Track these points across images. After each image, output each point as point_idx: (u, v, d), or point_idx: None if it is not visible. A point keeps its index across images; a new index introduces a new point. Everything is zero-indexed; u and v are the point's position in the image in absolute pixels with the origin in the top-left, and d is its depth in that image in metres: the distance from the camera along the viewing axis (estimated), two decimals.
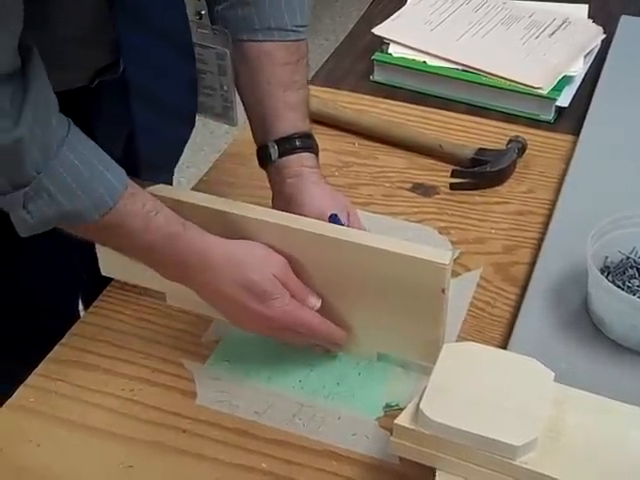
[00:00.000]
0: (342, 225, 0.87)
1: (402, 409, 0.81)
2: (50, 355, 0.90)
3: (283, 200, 0.91)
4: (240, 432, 0.82)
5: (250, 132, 0.96)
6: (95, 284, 0.99)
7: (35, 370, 0.88)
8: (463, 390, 0.73)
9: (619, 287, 0.85)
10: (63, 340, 0.91)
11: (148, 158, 0.94)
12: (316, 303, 0.85)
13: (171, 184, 1.08)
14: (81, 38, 0.85)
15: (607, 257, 0.89)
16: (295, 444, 0.81)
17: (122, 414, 0.84)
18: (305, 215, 0.87)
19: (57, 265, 1.09)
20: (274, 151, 0.92)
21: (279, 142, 0.92)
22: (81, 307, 1.16)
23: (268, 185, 0.95)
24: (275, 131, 0.92)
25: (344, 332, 0.86)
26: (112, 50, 0.88)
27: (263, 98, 0.92)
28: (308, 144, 0.93)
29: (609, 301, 0.84)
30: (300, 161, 0.92)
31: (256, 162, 0.95)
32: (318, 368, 0.88)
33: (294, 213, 0.88)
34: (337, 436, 0.81)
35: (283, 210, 0.88)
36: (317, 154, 0.94)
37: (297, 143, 0.92)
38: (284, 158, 0.92)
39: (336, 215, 0.88)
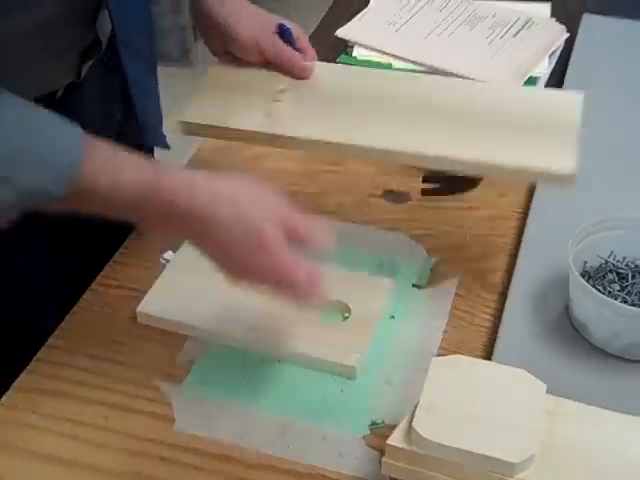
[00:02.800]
0: (292, 36, 0.98)
1: (388, 426, 0.81)
2: (16, 383, 0.85)
3: (218, 36, 0.97)
4: (221, 457, 0.79)
5: None
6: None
7: (0, 401, 0.84)
8: (455, 406, 0.71)
9: (600, 292, 0.84)
10: (29, 367, 0.87)
11: (143, 118, 0.92)
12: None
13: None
14: (70, 15, 0.82)
15: (586, 262, 0.88)
16: (280, 467, 0.78)
17: (98, 445, 0.80)
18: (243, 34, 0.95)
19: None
20: None
21: None
22: None
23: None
24: None
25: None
26: (93, 25, 0.87)
27: None
28: None
29: (591, 307, 0.83)
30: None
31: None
32: (300, 386, 0.85)
33: (230, 39, 0.96)
34: (323, 457, 0.79)
35: (220, 47, 0.98)
36: None
37: None
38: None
39: (284, 25, 0.96)
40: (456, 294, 0.94)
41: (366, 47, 1.29)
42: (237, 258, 0.76)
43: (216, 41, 1.00)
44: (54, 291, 1.01)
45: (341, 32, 1.32)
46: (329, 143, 0.91)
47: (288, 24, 1.00)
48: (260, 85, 0.98)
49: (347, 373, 0.85)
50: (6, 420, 0.82)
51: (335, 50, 1.33)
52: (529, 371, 0.82)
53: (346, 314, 0.90)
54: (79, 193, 0.71)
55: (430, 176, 1.08)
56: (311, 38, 1.39)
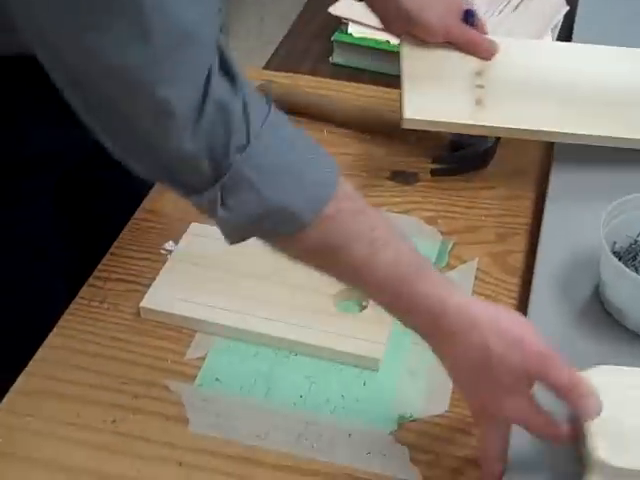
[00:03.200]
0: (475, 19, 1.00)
1: (417, 420, 0.76)
2: (15, 386, 0.79)
3: (401, 20, 0.98)
4: (243, 460, 0.73)
5: None
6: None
7: None
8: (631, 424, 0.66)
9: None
10: (28, 368, 0.81)
11: None
12: (592, 408, 0.65)
13: None
14: None
15: (615, 242, 0.84)
16: (305, 468, 0.73)
17: (105, 449, 0.74)
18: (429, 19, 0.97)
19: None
20: None
21: None
22: None
23: None
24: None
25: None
26: None
27: None
28: None
29: (626, 289, 0.79)
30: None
31: None
32: (319, 380, 0.80)
33: (415, 24, 0.98)
34: (350, 456, 0.74)
35: (402, 30, 1.00)
36: None
37: None
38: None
39: (471, 10, 0.98)
40: (476, 278, 0.90)
41: (361, 24, 1.23)
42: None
43: (397, 25, 1.01)
44: (61, 263, 0.96)
45: (334, 9, 1.26)
46: (545, 132, 0.95)
47: (471, 7, 1.01)
48: (455, 68, 1.00)
49: (370, 365, 0.80)
50: (5, 425, 0.76)
51: (328, 27, 1.28)
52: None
53: (364, 303, 0.85)
54: (324, 236, 0.66)
55: (439, 155, 1.03)
56: (302, 14, 1.36)
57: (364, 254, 0.66)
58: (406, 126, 0.95)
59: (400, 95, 0.98)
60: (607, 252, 0.79)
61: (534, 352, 0.65)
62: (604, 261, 0.81)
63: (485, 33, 1.03)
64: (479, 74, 0.99)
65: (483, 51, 1.01)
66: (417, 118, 0.95)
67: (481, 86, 0.98)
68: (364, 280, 0.68)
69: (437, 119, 0.95)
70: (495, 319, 0.66)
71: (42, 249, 0.95)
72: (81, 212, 1.04)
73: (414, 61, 1.01)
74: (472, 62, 1.01)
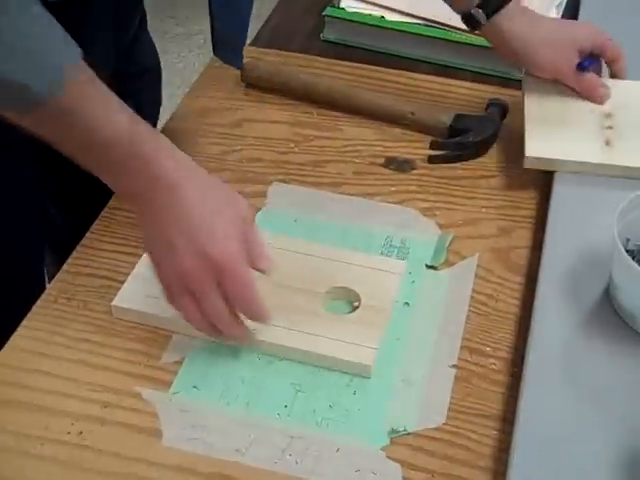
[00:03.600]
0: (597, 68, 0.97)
1: (411, 434, 0.70)
2: None
3: (511, 55, 0.96)
4: (221, 478, 0.67)
5: None
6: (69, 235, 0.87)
7: None
8: None
9: None
10: None
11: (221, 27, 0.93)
12: (267, 265, 0.73)
13: None
14: None
15: (629, 239, 0.77)
16: None
17: (70, 464, 0.68)
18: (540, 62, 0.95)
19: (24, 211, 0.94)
20: (481, 16, 0.93)
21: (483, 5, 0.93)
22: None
23: None
24: None
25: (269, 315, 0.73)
26: None
27: None
28: None
29: None
30: (509, 15, 0.92)
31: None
32: (305, 388, 0.74)
33: (527, 62, 0.96)
34: (338, 474, 0.68)
35: (511, 59, 0.97)
36: None
37: None
38: (492, 19, 0.92)
39: (588, 61, 0.94)
40: (476, 275, 0.83)
41: None
42: (186, 238, 0.70)
43: (510, 58, 0.97)
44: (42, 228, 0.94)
45: None
46: None
47: (590, 59, 0.96)
48: (582, 108, 0.95)
49: (361, 372, 0.74)
50: None
51: (318, 3, 1.20)
52: (570, 366, 0.72)
53: (355, 303, 0.79)
54: (58, 110, 0.65)
55: (437, 141, 0.96)
56: None
57: (98, 115, 0.67)
58: (528, 165, 0.90)
59: (523, 132, 0.92)
60: (621, 252, 0.72)
61: (215, 255, 0.69)
62: (617, 261, 0.74)
63: (600, 76, 0.97)
64: (609, 116, 0.94)
65: (597, 97, 0.96)
66: (541, 157, 0.89)
67: (610, 127, 0.92)
68: (93, 140, 0.68)
69: (564, 158, 0.89)
70: (201, 201, 0.71)
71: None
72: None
73: (537, 97, 0.96)
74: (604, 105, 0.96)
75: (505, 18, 0.93)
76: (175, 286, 0.71)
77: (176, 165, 0.71)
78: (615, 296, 0.76)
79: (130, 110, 0.70)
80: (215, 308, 0.71)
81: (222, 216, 0.71)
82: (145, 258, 0.82)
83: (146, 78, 1.08)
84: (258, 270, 0.72)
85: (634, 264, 0.72)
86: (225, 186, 0.75)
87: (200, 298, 0.71)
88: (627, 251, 0.76)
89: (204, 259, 0.69)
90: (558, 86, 0.97)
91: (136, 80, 1.03)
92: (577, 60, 0.95)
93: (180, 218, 0.70)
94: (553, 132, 0.92)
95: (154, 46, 1.10)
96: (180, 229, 0.70)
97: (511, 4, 0.92)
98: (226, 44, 0.96)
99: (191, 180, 0.71)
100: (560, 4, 1.16)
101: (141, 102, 1.01)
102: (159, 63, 1.12)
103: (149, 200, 0.70)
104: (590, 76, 0.96)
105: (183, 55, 2.67)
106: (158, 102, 1.14)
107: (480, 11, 0.92)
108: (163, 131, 0.99)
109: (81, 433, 0.70)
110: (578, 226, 0.83)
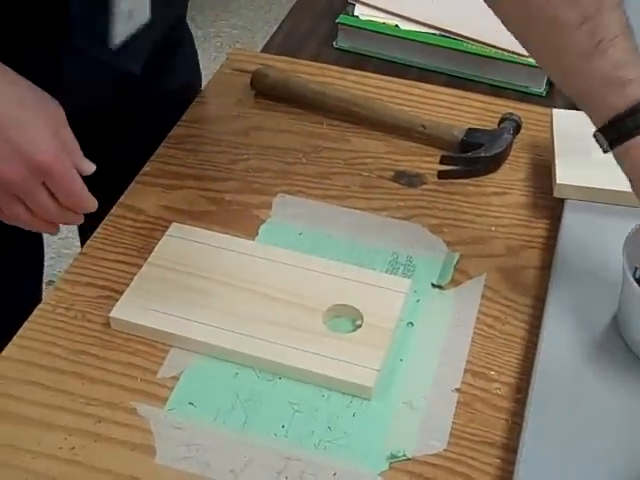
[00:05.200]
0: None
1: (410, 459, 0.68)
2: None
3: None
4: None
5: None
6: None
7: None
8: None
9: None
10: None
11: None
12: (89, 169, 0.73)
13: None
14: None
15: (637, 268, 0.75)
16: None
17: None
18: None
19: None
20: (603, 142, 0.72)
21: (606, 130, 0.71)
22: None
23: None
24: (597, 116, 0.72)
25: (96, 201, 0.75)
26: None
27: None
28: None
29: None
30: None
31: None
32: (303, 408, 0.72)
33: None
34: None
35: None
36: None
37: (629, 124, 0.69)
38: (616, 149, 0.71)
39: None
40: (483, 296, 0.81)
41: (368, 6, 1.14)
42: None
43: None
44: None
45: None
46: None
47: None
48: None
49: (362, 394, 0.72)
50: None
51: (332, 9, 1.19)
52: (575, 394, 0.70)
53: (357, 321, 0.77)
54: None
55: (448, 156, 0.94)
56: None
57: None
58: (558, 194, 0.88)
59: (552, 162, 0.90)
60: (629, 280, 0.70)
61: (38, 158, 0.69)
62: (625, 289, 0.72)
63: None
64: None
65: None
66: (571, 184, 0.87)
67: None
68: None
69: (595, 186, 0.87)
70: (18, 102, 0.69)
71: None
72: None
73: (567, 124, 0.94)
74: None
75: (626, 151, 0.71)
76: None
77: None
78: (623, 324, 0.74)
79: None
80: (45, 206, 0.72)
81: (32, 112, 0.70)
82: (145, 269, 0.81)
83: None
84: (80, 172, 0.73)
85: None
86: (34, 86, 0.72)
87: (27, 200, 0.71)
88: (636, 279, 0.74)
89: (26, 164, 0.69)
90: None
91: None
92: None
93: None
94: (583, 160, 0.88)
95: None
96: None
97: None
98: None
99: None
100: None
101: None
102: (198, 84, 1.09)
103: None
104: None
105: (200, 57, 2.66)
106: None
107: (601, 136, 0.72)
108: (171, 138, 0.98)
109: (73, 448, 0.68)
110: (588, 251, 0.81)
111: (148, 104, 0.97)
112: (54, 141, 0.70)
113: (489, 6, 0.78)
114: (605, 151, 0.72)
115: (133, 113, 0.98)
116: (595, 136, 0.72)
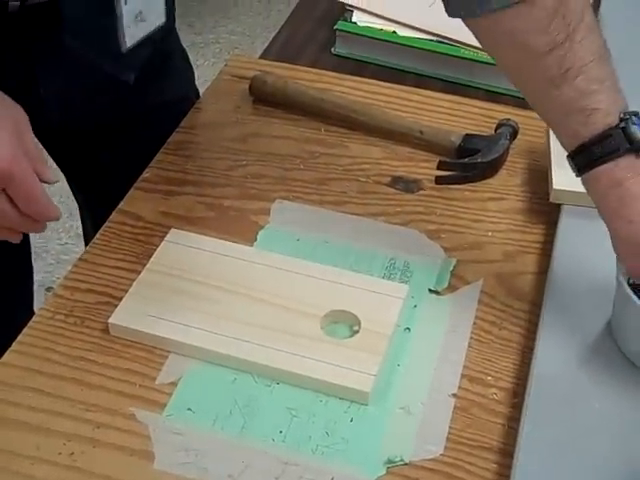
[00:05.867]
0: None
1: (407, 465, 0.68)
2: None
3: (606, 212, 0.72)
4: None
5: None
6: None
7: None
8: None
9: None
10: None
11: None
12: (51, 177, 0.72)
13: None
14: None
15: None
16: None
17: None
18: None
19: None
20: (573, 167, 0.72)
21: (573, 156, 0.72)
22: None
23: None
24: (564, 142, 0.73)
25: (59, 210, 0.73)
26: None
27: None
28: (612, 147, 0.69)
29: None
30: (608, 174, 0.70)
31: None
32: (301, 413, 0.72)
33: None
34: None
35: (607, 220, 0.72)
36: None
37: (595, 152, 0.69)
38: (584, 175, 0.72)
39: None
40: (480, 301, 0.82)
41: (366, 12, 1.15)
42: None
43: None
44: None
45: None
46: None
47: None
48: None
49: (359, 399, 0.73)
50: None
51: (331, 16, 1.19)
52: (571, 399, 0.70)
53: (355, 327, 0.77)
54: None
55: (445, 162, 0.95)
56: (304, 1, 1.27)
57: None
58: (554, 199, 0.89)
59: (549, 168, 0.91)
60: (623, 285, 0.70)
61: None
62: (618, 293, 0.72)
63: None
64: None
65: None
66: (568, 189, 0.87)
67: None
68: None
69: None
70: None
71: None
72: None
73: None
74: None
75: (592, 178, 0.72)
76: None
77: None
78: (615, 330, 0.74)
79: None
80: (3, 212, 0.70)
81: None
82: (143, 275, 0.81)
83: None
84: (43, 181, 0.71)
85: (634, 296, 0.70)
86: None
87: None
88: (629, 285, 0.74)
89: None
90: None
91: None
92: None
93: None
94: None
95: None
96: None
97: (605, 170, 0.70)
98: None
99: None
100: None
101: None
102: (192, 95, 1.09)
103: None
104: None
105: (198, 64, 2.66)
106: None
107: (570, 161, 0.73)
108: (170, 144, 0.98)
109: (72, 454, 0.69)
110: (584, 257, 0.82)
111: (140, 117, 0.98)
112: (13, 146, 0.68)
113: (466, 24, 0.78)
114: (577, 175, 0.72)
115: (126, 125, 0.98)
116: (567, 159, 0.73)
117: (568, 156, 0.73)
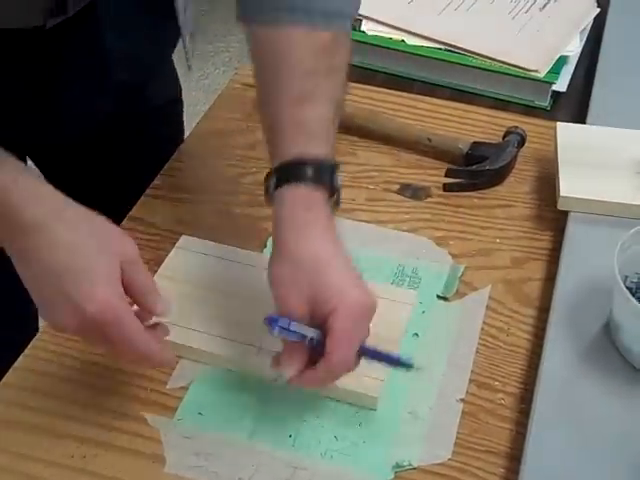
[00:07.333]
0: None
1: (416, 468, 0.69)
2: None
3: (275, 243, 0.71)
4: None
5: None
6: None
7: None
8: None
9: None
10: None
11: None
12: (161, 310, 0.68)
13: None
14: None
15: (627, 277, 0.76)
16: None
17: None
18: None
19: None
20: (273, 181, 0.72)
21: (280, 168, 0.72)
22: None
23: None
24: (279, 153, 0.73)
25: (172, 356, 0.72)
26: None
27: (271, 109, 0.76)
28: (309, 174, 0.70)
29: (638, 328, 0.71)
30: (294, 197, 0.70)
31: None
32: (310, 418, 0.73)
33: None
34: None
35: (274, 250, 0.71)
36: (332, 190, 0.73)
37: (301, 171, 0.70)
38: (278, 190, 0.71)
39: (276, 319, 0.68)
40: (488, 307, 0.82)
41: (375, 21, 1.16)
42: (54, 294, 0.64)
43: None
44: None
45: None
46: None
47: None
48: (617, 153, 0.93)
49: (367, 404, 0.73)
50: None
51: None
52: (577, 404, 0.71)
53: None
54: None
55: (453, 169, 0.96)
56: None
57: None
58: (562, 206, 0.89)
59: (556, 175, 0.91)
60: (621, 288, 0.71)
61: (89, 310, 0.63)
62: (617, 299, 0.73)
63: None
64: None
65: None
66: (575, 197, 0.88)
67: None
68: None
69: (598, 198, 0.88)
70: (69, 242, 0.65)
71: None
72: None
73: (571, 137, 0.95)
74: (637, 151, 0.93)
75: (279, 202, 0.72)
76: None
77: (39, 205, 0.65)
78: (614, 333, 0.75)
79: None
80: (118, 354, 0.68)
81: (92, 259, 0.65)
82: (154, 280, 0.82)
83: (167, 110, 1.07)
84: (153, 314, 0.69)
85: (635, 303, 0.70)
86: (102, 222, 0.68)
87: (90, 343, 0.69)
88: (626, 288, 0.74)
89: (79, 316, 0.63)
90: (591, 131, 0.96)
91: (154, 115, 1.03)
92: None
93: (44, 263, 0.64)
94: (586, 174, 0.90)
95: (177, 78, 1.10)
96: (47, 279, 0.64)
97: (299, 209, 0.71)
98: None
99: (59, 221, 0.65)
100: (584, 29, 1.16)
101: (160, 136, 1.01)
102: (180, 96, 1.11)
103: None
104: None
105: (209, 72, 2.68)
106: (177, 136, 1.10)
107: (274, 179, 0.72)
108: (180, 152, 0.99)
109: (84, 457, 0.70)
110: (591, 263, 0.82)
111: (140, 118, 0.99)
112: (111, 286, 0.65)
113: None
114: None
115: (126, 129, 0.99)
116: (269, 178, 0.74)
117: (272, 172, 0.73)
